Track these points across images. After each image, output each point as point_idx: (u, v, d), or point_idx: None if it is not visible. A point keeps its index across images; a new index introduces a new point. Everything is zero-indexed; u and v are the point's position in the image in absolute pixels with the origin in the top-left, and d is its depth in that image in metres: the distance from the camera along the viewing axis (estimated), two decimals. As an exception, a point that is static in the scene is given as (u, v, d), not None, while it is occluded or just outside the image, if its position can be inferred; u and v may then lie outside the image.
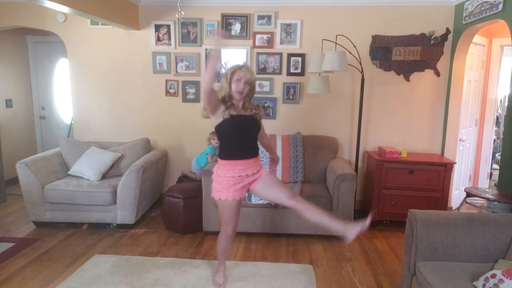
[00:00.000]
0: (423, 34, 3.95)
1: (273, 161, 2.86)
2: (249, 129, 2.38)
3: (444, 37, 3.93)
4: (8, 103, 5.00)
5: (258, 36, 4.11)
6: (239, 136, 2.34)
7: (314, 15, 4.04)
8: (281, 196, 2.36)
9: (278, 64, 4.13)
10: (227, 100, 2.30)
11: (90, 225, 3.70)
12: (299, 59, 4.11)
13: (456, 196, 4.30)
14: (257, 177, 2.40)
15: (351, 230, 2.24)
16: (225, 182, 2.33)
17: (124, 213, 3.58)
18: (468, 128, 4.40)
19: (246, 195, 3.27)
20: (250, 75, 2.27)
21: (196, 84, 4.26)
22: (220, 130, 2.33)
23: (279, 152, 3.83)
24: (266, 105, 4.21)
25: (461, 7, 3.74)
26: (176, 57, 4.23)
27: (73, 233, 3.55)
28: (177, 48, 4.23)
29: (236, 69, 2.28)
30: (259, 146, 2.53)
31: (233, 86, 2.27)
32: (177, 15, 4.03)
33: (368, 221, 2.24)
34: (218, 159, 2.41)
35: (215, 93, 2.22)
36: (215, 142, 3.85)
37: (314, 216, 2.31)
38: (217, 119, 2.30)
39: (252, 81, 2.29)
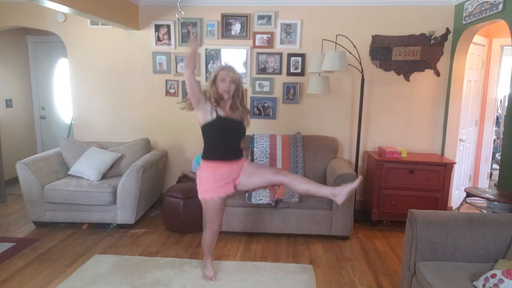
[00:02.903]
0: (423, 34, 3.95)
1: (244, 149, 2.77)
2: (235, 133, 2.45)
3: (444, 37, 3.93)
4: (8, 103, 5.00)
5: (258, 36, 4.11)
6: (224, 138, 2.41)
7: (314, 15, 4.04)
8: (267, 176, 2.40)
9: (278, 64, 4.13)
10: (213, 102, 2.36)
11: (90, 225, 3.70)
12: (299, 59, 4.11)
13: (456, 196, 4.30)
14: (239, 175, 2.45)
15: (340, 193, 2.30)
16: (208, 182, 2.41)
17: (124, 213, 3.58)
18: (468, 128, 4.39)
19: (246, 195, 3.27)
20: (233, 74, 2.35)
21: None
22: (207, 129, 2.39)
23: (279, 151, 3.84)
24: (266, 105, 4.21)
25: (461, 7, 3.74)
26: (176, 57, 4.23)
27: (73, 233, 3.55)
28: (177, 48, 4.23)
29: (219, 70, 2.38)
30: None
31: (220, 86, 2.35)
32: (177, 15, 4.03)
33: (356, 182, 2.27)
34: (201, 160, 2.46)
35: (198, 83, 2.31)
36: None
37: (303, 186, 2.37)
38: (204, 116, 2.36)
39: (236, 79, 2.36)
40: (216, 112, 2.35)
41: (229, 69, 2.37)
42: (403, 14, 3.95)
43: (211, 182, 2.40)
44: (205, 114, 2.36)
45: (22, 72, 5.25)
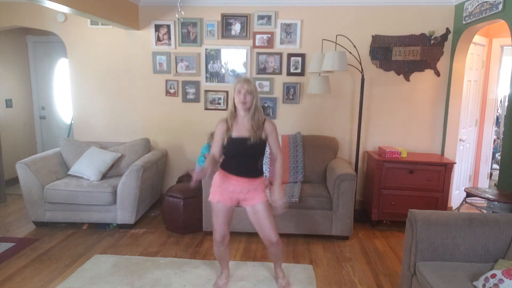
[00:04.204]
0: (423, 34, 3.95)
1: (269, 184, 2.78)
2: (245, 153, 2.40)
3: (444, 37, 3.93)
4: (8, 103, 5.00)
5: (258, 36, 4.11)
6: (235, 157, 2.43)
7: (314, 15, 4.04)
8: (264, 232, 2.45)
9: (278, 64, 4.13)
10: (231, 117, 2.40)
11: (90, 225, 3.70)
12: (299, 59, 4.11)
13: (456, 196, 4.30)
14: (249, 198, 2.43)
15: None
16: (215, 185, 2.48)
17: (124, 213, 3.58)
18: (468, 128, 4.39)
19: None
20: (248, 85, 2.31)
21: (196, 84, 4.26)
22: (224, 148, 2.42)
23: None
24: (266, 105, 4.21)
25: (461, 7, 3.74)
26: (176, 57, 4.23)
27: (73, 233, 3.55)
28: (177, 48, 4.23)
29: (235, 84, 2.37)
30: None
31: (236, 99, 2.35)
32: (177, 15, 4.03)
33: None
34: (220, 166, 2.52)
35: (212, 154, 2.41)
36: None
37: (272, 258, 2.67)
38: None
39: (252, 91, 2.33)
40: (230, 133, 2.38)
41: (244, 81, 2.34)
42: (403, 14, 3.95)
43: (218, 185, 2.46)
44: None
45: (22, 72, 5.25)
